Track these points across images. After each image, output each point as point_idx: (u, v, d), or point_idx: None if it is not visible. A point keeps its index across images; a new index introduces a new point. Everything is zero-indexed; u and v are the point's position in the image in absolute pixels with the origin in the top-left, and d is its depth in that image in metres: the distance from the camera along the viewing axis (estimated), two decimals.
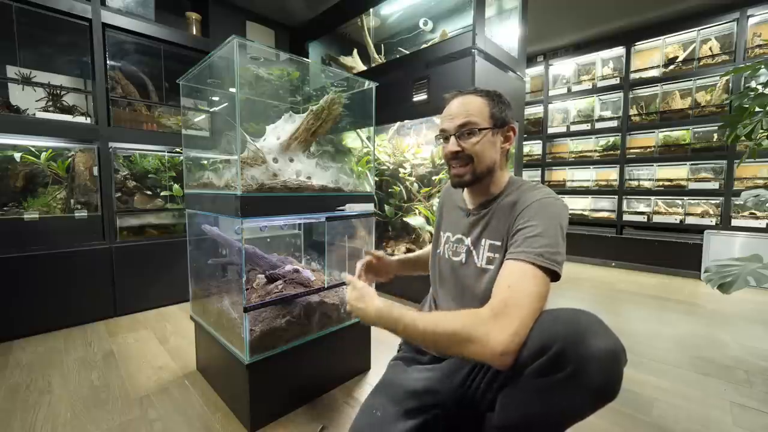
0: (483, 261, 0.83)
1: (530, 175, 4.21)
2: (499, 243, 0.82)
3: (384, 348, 1.59)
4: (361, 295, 0.82)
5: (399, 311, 0.74)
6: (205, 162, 1.53)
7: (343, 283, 1.40)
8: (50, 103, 1.96)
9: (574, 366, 0.58)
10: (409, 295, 2.21)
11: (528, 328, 0.63)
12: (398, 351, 1.01)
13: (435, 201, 2.42)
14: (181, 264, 2.21)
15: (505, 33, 2.37)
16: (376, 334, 1.53)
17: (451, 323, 0.66)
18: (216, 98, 1.77)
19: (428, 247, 1.09)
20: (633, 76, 3.39)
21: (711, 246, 2.90)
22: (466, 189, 0.92)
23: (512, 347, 0.61)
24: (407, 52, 2.41)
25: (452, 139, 0.84)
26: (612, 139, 3.59)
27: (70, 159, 1.98)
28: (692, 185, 3.10)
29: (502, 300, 0.66)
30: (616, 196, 3.49)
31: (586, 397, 0.58)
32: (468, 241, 0.87)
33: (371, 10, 2.64)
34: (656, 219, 3.25)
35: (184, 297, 2.25)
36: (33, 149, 1.90)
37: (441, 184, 2.36)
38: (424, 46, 2.28)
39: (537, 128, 4.07)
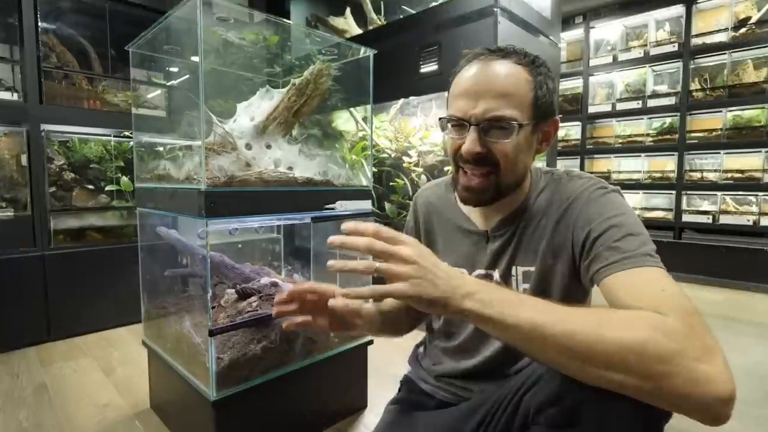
0: None
1: (566, 165, 4.22)
2: (532, 268, 0.73)
3: (384, 381, 1.58)
4: (420, 253, 0.54)
5: (507, 289, 0.55)
6: (162, 149, 1.53)
7: None
8: None
9: (595, 419, 0.52)
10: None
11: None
12: (399, 391, 0.99)
13: None
14: (131, 276, 2.20)
15: None
16: (375, 363, 1.53)
17: (627, 328, 0.47)
18: (175, 69, 1.77)
19: None
20: (695, 41, 3.39)
21: None
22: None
23: (734, 390, 0.45)
24: (413, 12, 2.41)
25: (472, 132, 0.67)
26: (668, 121, 3.59)
27: None
28: None
29: (676, 307, 0.50)
30: (674, 192, 3.49)
31: None
32: (497, 275, 0.77)
33: None
34: (724, 220, 3.25)
35: (135, 317, 2.24)
36: None
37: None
38: (434, 4, 2.28)
39: (574, 107, 4.08)
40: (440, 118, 0.73)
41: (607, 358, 0.46)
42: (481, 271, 0.79)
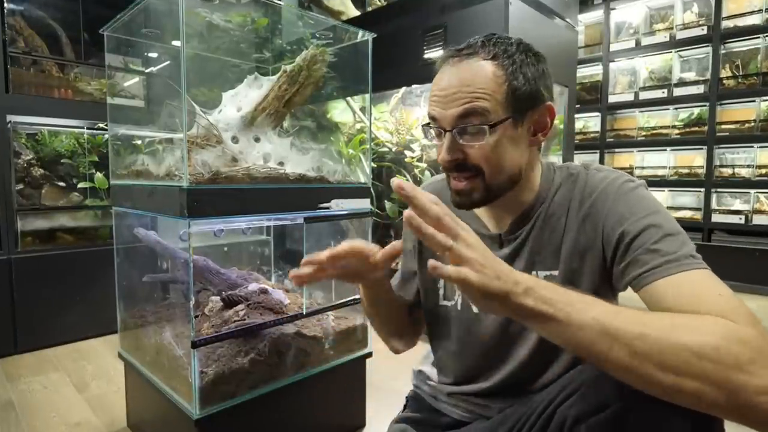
0: None
1: (584, 160, 4.22)
2: (555, 272, 0.73)
3: (384, 397, 1.59)
4: (484, 253, 0.54)
5: (576, 293, 0.55)
6: (140, 142, 1.53)
7: (328, 308, 1.40)
8: None
9: (644, 428, 0.54)
10: None
11: None
12: (404, 408, 0.99)
13: None
14: (106, 282, 2.21)
15: None
16: (374, 378, 1.53)
17: (702, 333, 0.49)
18: (154, 55, 1.77)
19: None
20: (725, 24, 3.39)
21: None
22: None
23: None
24: None
25: (446, 138, 0.70)
26: (697, 111, 3.59)
27: None
28: None
29: (739, 313, 0.53)
30: (703, 189, 3.49)
31: None
32: None
33: None
34: (758, 220, 3.25)
35: (111, 327, 2.23)
36: None
37: None
38: None
39: (594, 96, 4.08)
40: (423, 125, 0.77)
41: (681, 362, 0.47)
42: None
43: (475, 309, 0.80)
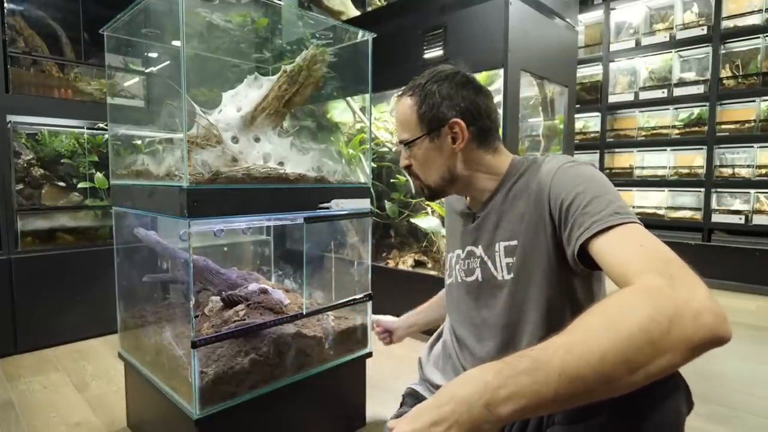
0: (503, 271, 0.88)
1: (584, 160, 4.21)
2: (514, 243, 0.86)
3: (385, 397, 1.59)
4: (441, 402, 0.54)
5: (518, 359, 0.54)
6: (140, 142, 1.53)
7: (328, 308, 1.41)
8: None
9: (608, 411, 0.59)
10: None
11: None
12: (401, 405, 1.03)
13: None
14: (106, 282, 2.21)
15: None
16: (374, 378, 1.53)
17: (631, 316, 0.52)
18: (154, 55, 1.77)
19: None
20: (725, 24, 3.39)
21: None
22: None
23: (719, 306, 0.54)
24: None
25: (403, 151, 0.96)
26: (697, 111, 3.59)
27: None
28: None
29: (653, 260, 0.60)
30: (703, 189, 3.50)
31: None
32: (480, 250, 0.93)
33: None
34: (758, 220, 3.25)
35: (111, 327, 2.24)
36: None
37: None
38: None
39: (593, 96, 4.08)
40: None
41: (636, 348, 0.50)
42: (469, 248, 0.96)
43: (469, 278, 0.94)
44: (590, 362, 0.50)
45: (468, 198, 0.99)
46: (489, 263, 0.90)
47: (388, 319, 1.32)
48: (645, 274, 0.58)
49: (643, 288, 0.56)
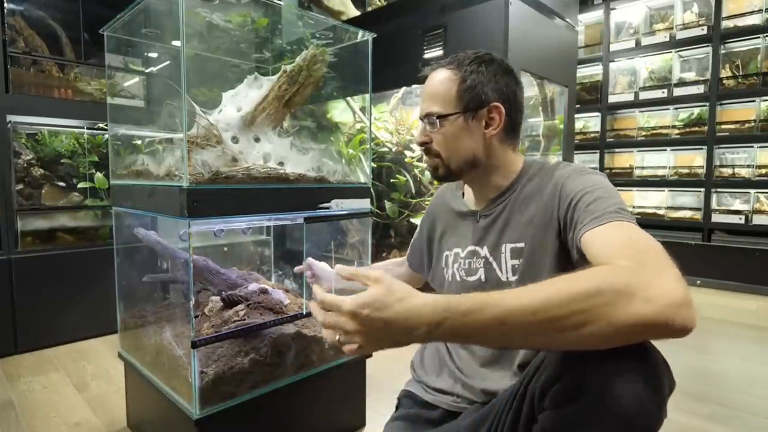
0: (508, 272, 0.86)
1: (584, 160, 4.22)
2: (522, 245, 0.85)
3: (385, 397, 1.59)
4: (389, 289, 0.59)
5: (471, 295, 0.58)
6: (140, 142, 1.53)
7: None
8: None
9: (593, 391, 0.58)
10: None
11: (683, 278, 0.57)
12: (397, 407, 1.02)
13: None
14: (106, 282, 2.21)
15: None
16: (374, 378, 1.53)
17: (584, 282, 0.55)
18: (154, 55, 1.77)
19: (394, 263, 1.21)
20: (725, 24, 3.39)
21: None
22: (468, 188, 0.99)
23: (688, 295, 0.54)
24: None
25: (420, 126, 0.92)
26: (697, 111, 3.59)
27: None
28: None
29: (631, 249, 0.61)
30: (703, 189, 3.50)
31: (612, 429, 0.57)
32: (485, 251, 0.91)
33: None
34: (758, 220, 3.25)
35: (111, 327, 2.24)
36: None
37: None
38: None
39: (593, 96, 4.08)
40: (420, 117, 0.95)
41: (578, 308, 0.53)
42: (471, 248, 0.93)
43: (471, 277, 0.93)
44: (525, 312, 0.54)
45: (468, 193, 0.98)
46: (494, 264, 0.89)
47: (323, 267, 1.16)
48: (620, 259, 0.60)
49: (611, 266, 0.59)
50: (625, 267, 0.57)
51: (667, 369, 0.61)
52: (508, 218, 0.88)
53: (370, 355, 1.46)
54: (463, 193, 1.02)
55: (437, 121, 0.87)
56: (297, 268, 1.21)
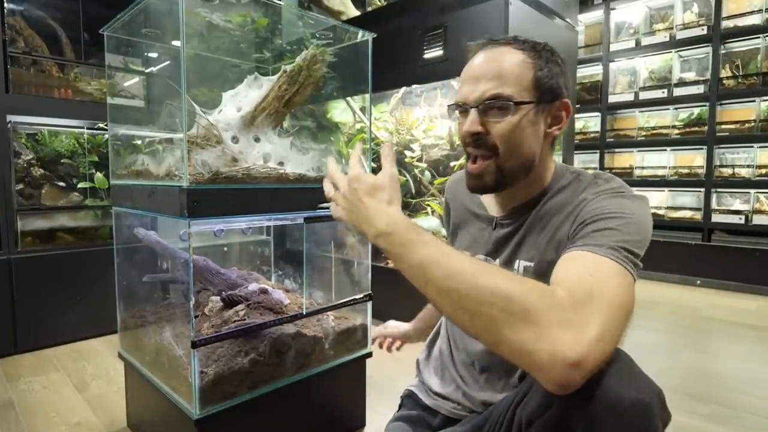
0: None
1: (584, 160, 4.22)
2: (532, 264, 0.78)
3: (385, 397, 1.59)
4: (385, 185, 0.68)
5: (423, 232, 0.62)
6: (140, 142, 1.53)
7: (328, 308, 1.40)
8: None
9: (583, 426, 0.55)
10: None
11: (615, 343, 0.53)
12: (399, 408, 1.02)
13: None
14: (106, 282, 2.21)
15: None
16: (374, 378, 1.53)
17: (508, 283, 0.53)
18: (154, 55, 1.77)
19: None
20: (725, 24, 3.39)
21: None
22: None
23: (591, 358, 0.49)
24: None
25: (472, 113, 0.75)
26: (697, 111, 3.59)
27: None
28: None
29: (583, 287, 0.55)
30: (703, 189, 3.49)
31: None
32: (497, 264, 0.84)
33: None
34: (758, 220, 3.25)
35: (111, 327, 2.24)
36: None
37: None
38: None
39: (593, 96, 4.08)
40: (449, 106, 0.81)
41: (487, 302, 0.53)
42: (481, 257, 0.86)
43: None
44: (443, 273, 0.56)
45: (494, 197, 0.86)
46: None
47: (395, 326, 1.18)
48: (561, 287, 0.55)
49: (545, 288, 0.55)
50: (555, 297, 0.53)
51: (661, 405, 0.56)
52: (526, 233, 0.80)
53: (370, 355, 1.46)
54: None
55: (511, 106, 0.72)
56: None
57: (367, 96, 1.51)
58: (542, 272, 0.75)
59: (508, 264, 0.81)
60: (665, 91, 3.66)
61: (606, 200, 0.70)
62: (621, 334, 0.54)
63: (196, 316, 1.28)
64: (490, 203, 0.88)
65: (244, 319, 1.24)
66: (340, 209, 0.71)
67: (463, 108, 0.77)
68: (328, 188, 0.74)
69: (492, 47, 0.77)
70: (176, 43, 1.07)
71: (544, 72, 0.75)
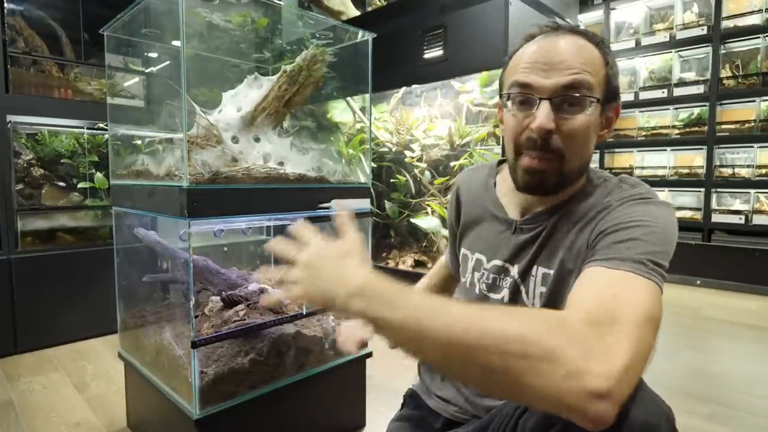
0: (535, 299, 0.76)
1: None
2: (551, 271, 0.73)
3: (385, 397, 1.59)
4: (316, 254, 0.60)
5: (397, 288, 0.54)
6: (140, 142, 1.53)
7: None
8: None
9: None
10: None
11: (645, 366, 0.50)
12: (401, 407, 1.01)
13: None
14: (106, 282, 2.21)
15: None
16: (374, 377, 1.53)
17: (511, 323, 0.48)
18: (154, 55, 1.77)
19: (439, 265, 1.07)
20: (725, 24, 3.39)
21: None
22: (509, 186, 0.80)
23: (618, 390, 0.45)
24: None
25: (544, 106, 0.66)
26: (697, 111, 3.59)
27: None
28: None
29: (606, 310, 0.51)
30: (703, 189, 3.50)
31: None
32: (515, 270, 0.78)
33: None
34: (758, 220, 3.26)
35: (111, 327, 2.24)
36: None
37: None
38: None
39: None
40: (501, 94, 0.74)
41: (495, 351, 0.47)
42: (498, 263, 0.80)
43: (495, 294, 0.81)
44: (438, 337, 0.49)
45: (505, 190, 0.82)
46: (522, 289, 0.77)
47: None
48: (580, 312, 0.51)
49: (560, 318, 0.50)
50: (573, 327, 0.49)
51: (669, 427, 0.54)
52: (548, 239, 0.75)
53: (370, 355, 1.46)
54: (495, 183, 0.86)
55: (589, 101, 0.65)
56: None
57: (367, 96, 1.51)
58: (562, 281, 0.72)
59: (526, 271, 0.77)
60: (665, 91, 3.67)
61: (631, 207, 0.66)
62: (650, 354, 0.51)
63: (196, 316, 1.28)
64: (509, 204, 0.82)
65: (244, 319, 1.24)
66: (296, 287, 0.60)
67: (527, 97, 0.68)
68: (283, 248, 0.63)
69: (561, 34, 0.69)
70: (176, 43, 1.07)
71: (614, 70, 0.70)
